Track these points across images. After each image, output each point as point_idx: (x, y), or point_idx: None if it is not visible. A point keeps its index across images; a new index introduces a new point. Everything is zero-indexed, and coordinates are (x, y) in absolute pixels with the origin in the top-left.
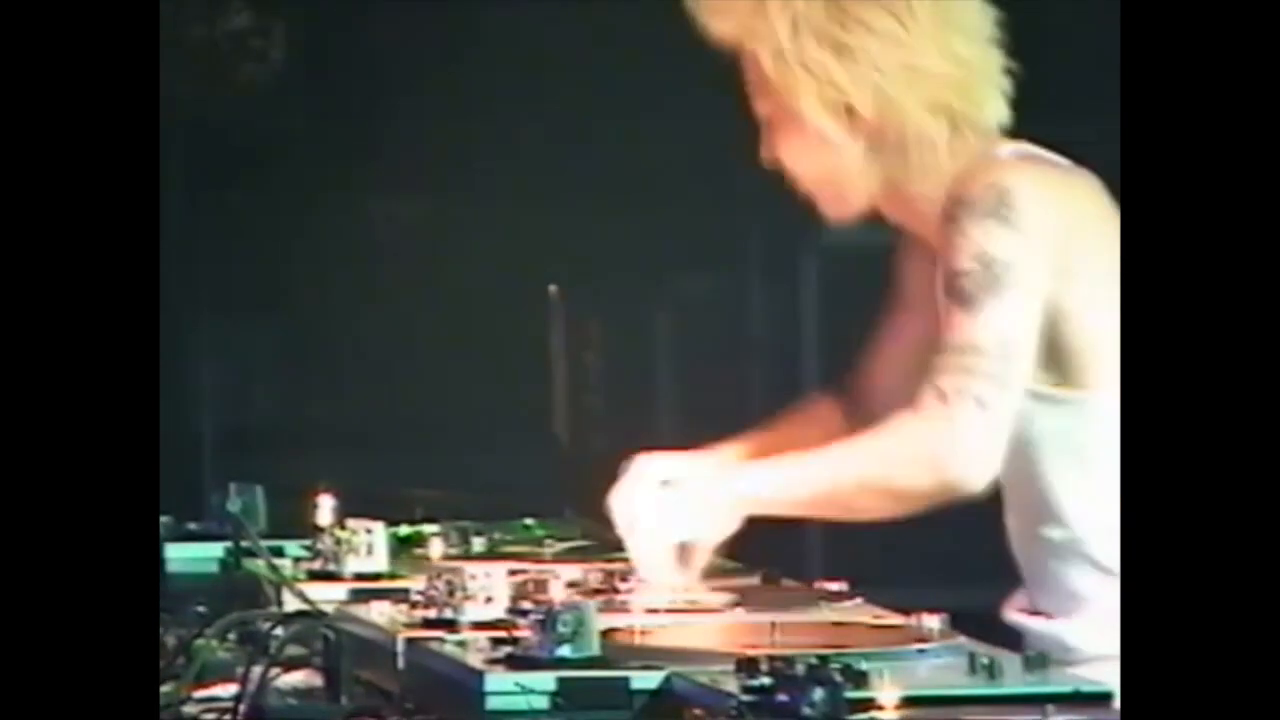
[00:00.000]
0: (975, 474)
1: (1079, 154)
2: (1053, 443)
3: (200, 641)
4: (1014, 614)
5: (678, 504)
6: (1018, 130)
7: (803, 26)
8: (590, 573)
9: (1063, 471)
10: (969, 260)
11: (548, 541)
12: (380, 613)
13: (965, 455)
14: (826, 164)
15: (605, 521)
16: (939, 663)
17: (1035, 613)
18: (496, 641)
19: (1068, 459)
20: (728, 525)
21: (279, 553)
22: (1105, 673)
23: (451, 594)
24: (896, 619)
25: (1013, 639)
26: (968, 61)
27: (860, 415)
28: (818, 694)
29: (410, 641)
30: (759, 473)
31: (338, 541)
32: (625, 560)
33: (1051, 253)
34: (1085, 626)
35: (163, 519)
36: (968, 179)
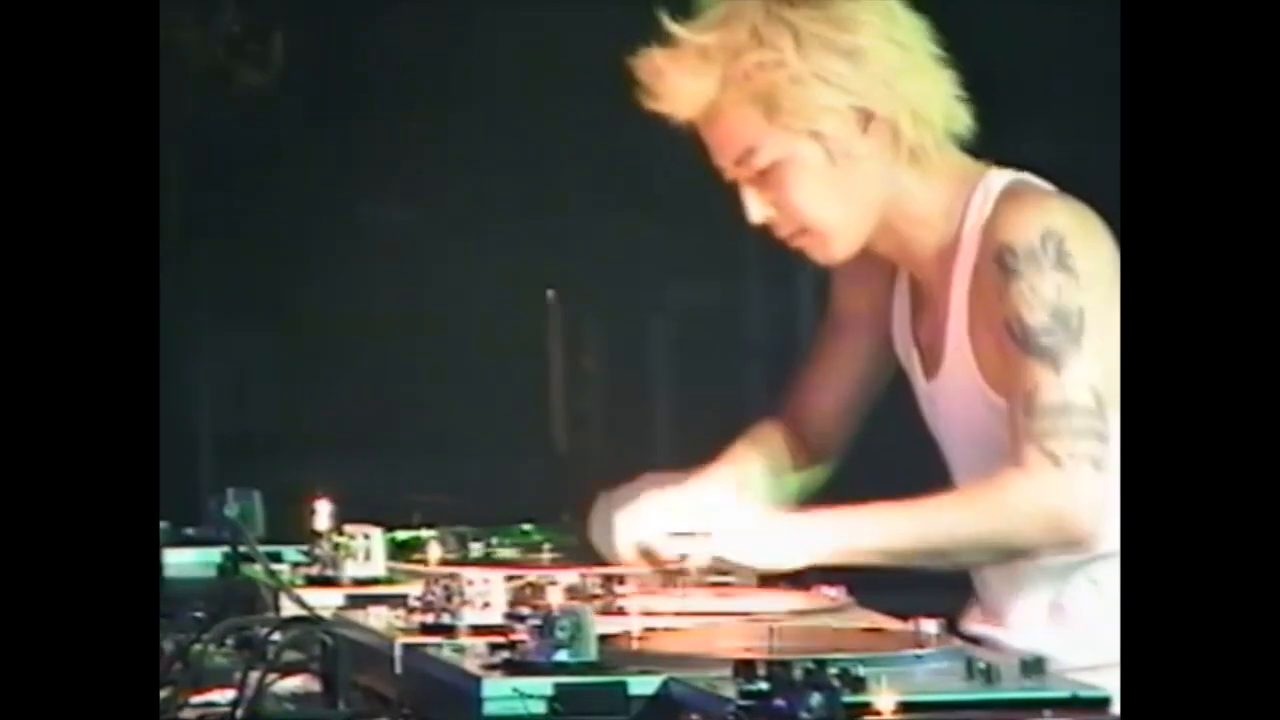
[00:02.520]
0: (1098, 530)
1: (1072, 172)
2: None
3: (198, 647)
4: (974, 627)
5: (745, 544)
6: (1016, 147)
7: (805, 39)
8: (588, 578)
9: None
10: (1044, 316)
11: (545, 547)
12: (378, 618)
13: (1088, 514)
14: (837, 190)
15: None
16: (936, 667)
17: (995, 625)
18: (494, 647)
19: None
20: (798, 563)
21: (277, 558)
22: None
23: (449, 599)
24: (894, 624)
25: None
26: (941, 72)
27: (801, 437)
28: (815, 699)
29: (408, 647)
30: (846, 522)
31: (335, 547)
32: (623, 565)
33: (1103, 295)
34: (1059, 639)
35: (161, 524)
36: (1005, 224)
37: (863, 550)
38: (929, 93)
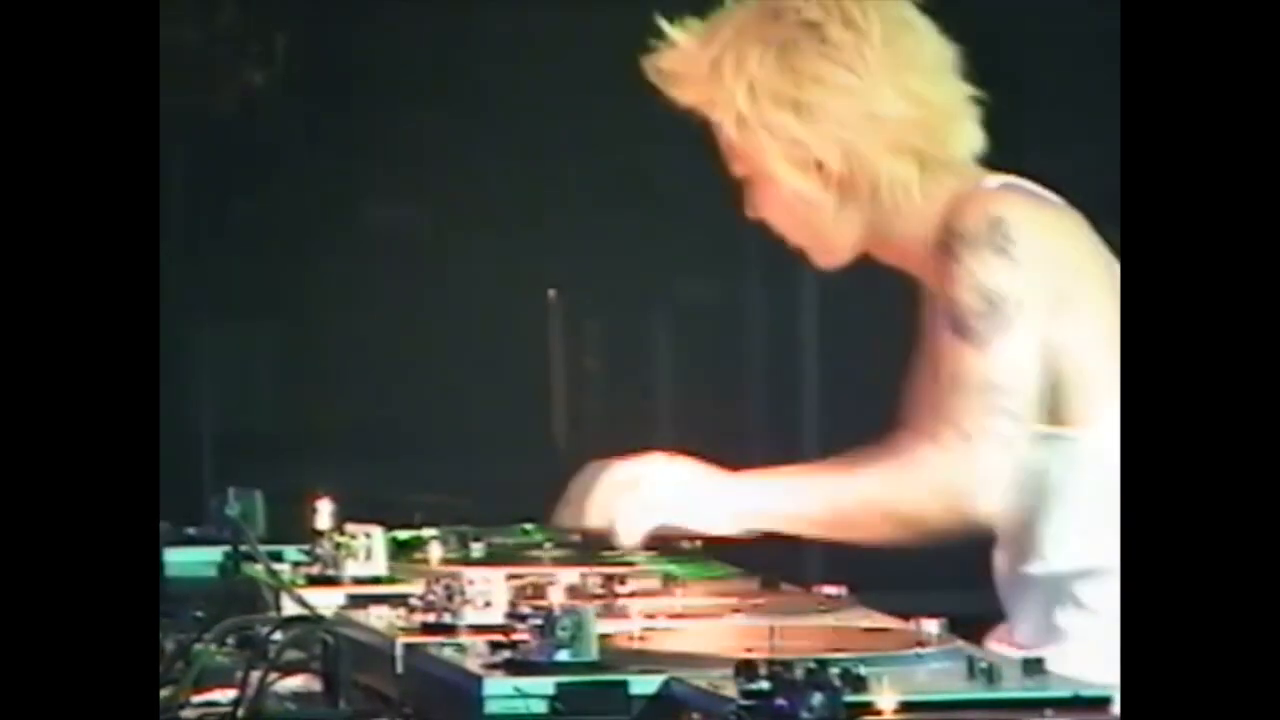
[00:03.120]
0: (992, 508)
1: (1074, 183)
2: (1040, 479)
3: (199, 646)
4: (995, 645)
5: (679, 503)
6: (1014, 159)
7: (759, 90)
8: (589, 577)
9: (1049, 509)
10: (974, 297)
11: (546, 546)
12: (379, 617)
13: (987, 491)
14: (807, 219)
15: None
16: (938, 667)
17: (1016, 645)
18: (495, 646)
19: (1055, 496)
20: (724, 531)
21: (278, 557)
22: None
23: (450, 598)
24: (895, 623)
25: None
26: (928, 100)
27: None
28: (816, 698)
29: (409, 646)
30: (763, 485)
31: (336, 546)
32: (624, 564)
33: (1047, 285)
34: (1064, 662)
35: (162, 524)
36: (960, 211)
37: (768, 515)
38: (901, 140)
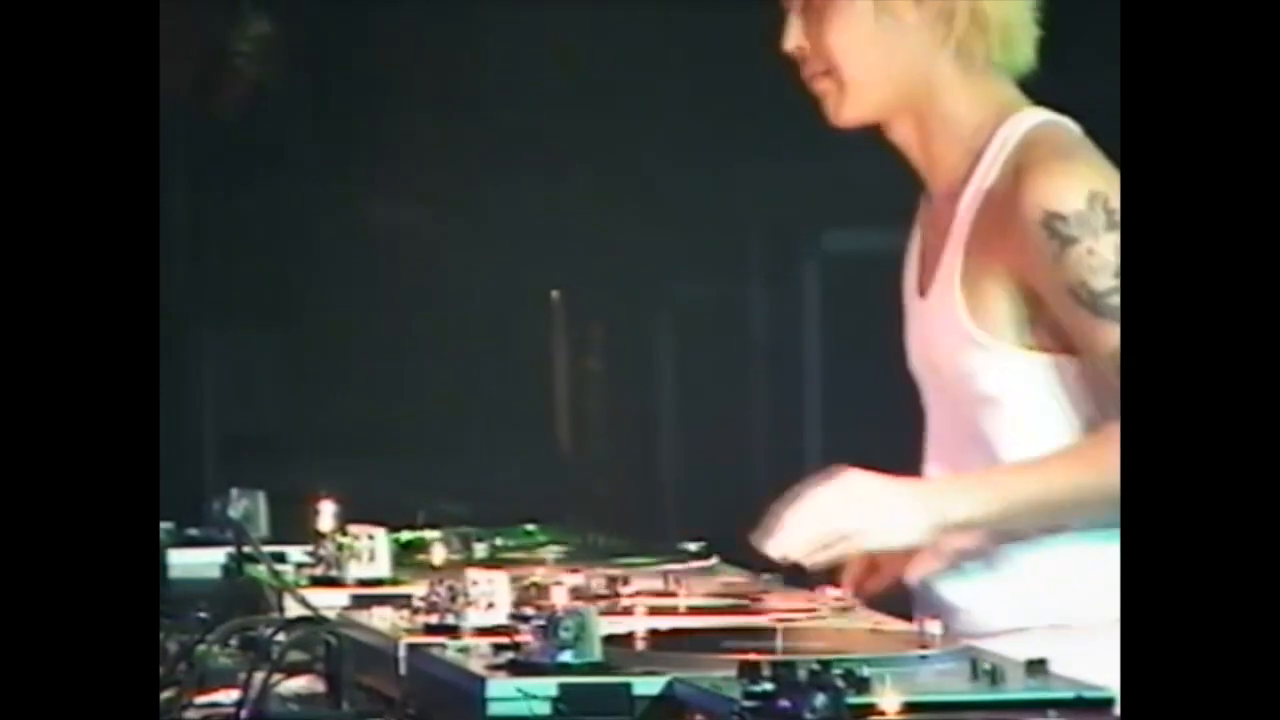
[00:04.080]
0: None
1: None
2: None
3: (202, 647)
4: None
5: (867, 507)
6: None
7: None
8: (593, 578)
9: (975, 420)
10: (1109, 277)
11: (550, 547)
12: (382, 618)
13: None
14: (875, 45)
15: (610, 527)
16: (941, 668)
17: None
18: (498, 647)
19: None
20: (915, 539)
21: (281, 558)
22: (1021, 647)
23: (453, 600)
24: (899, 624)
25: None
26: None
27: None
28: (820, 699)
29: (412, 647)
30: (968, 492)
31: (340, 547)
32: (626, 565)
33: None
34: (991, 594)
35: (164, 525)
36: (1053, 190)
37: (977, 520)
38: (1002, 8)
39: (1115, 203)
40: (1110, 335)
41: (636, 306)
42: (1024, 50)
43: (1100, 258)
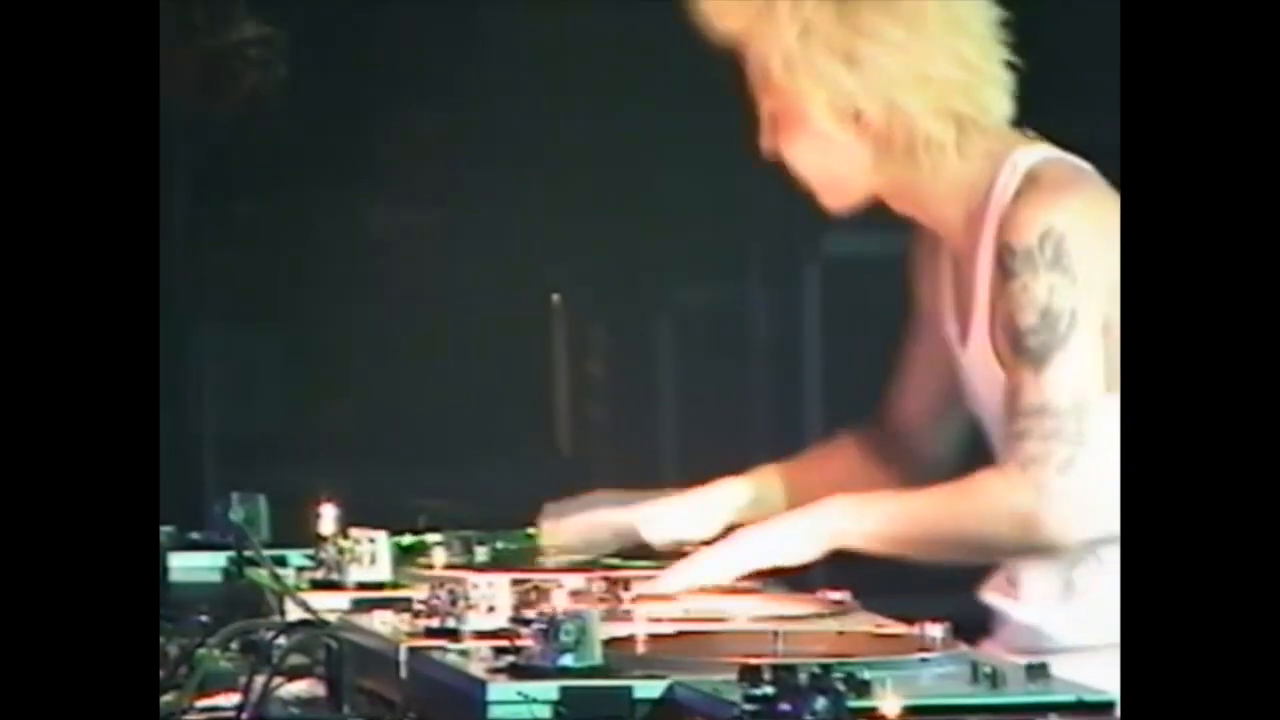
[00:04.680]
0: (1067, 533)
1: (1081, 148)
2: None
3: (203, 651)
4: (991, 595)
5: (762, 527)
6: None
7: (813, 36)
8: (593, 582)
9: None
10: (1033, 317)
11: (550, 551)
12: (383, 622)
13: (1054, 518)
14: (831, 163)
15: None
16: (941, 672)
17: (1016, 597)
18: (499, 651)
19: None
20: (809, 554)
21: (282, 562)
22: (1086, 666)
23: (454, 603)
24: (899, 628)
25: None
26: (974, 65)
27: (892, 446)
28: (820, 703)
29: (413, 651)
30: (854, 509)
31: (340, 551)
32: (627, 569)
33: (1105, 280)
34: (1065, 617)
35: (165, 528)
36: (1014, 223)
37: (851, 536)
38: (943, 103)
39: (1071, 245)
40: (1015, 374)
41: (638, 309)
42: (997, 109)
43: (1030, 295)
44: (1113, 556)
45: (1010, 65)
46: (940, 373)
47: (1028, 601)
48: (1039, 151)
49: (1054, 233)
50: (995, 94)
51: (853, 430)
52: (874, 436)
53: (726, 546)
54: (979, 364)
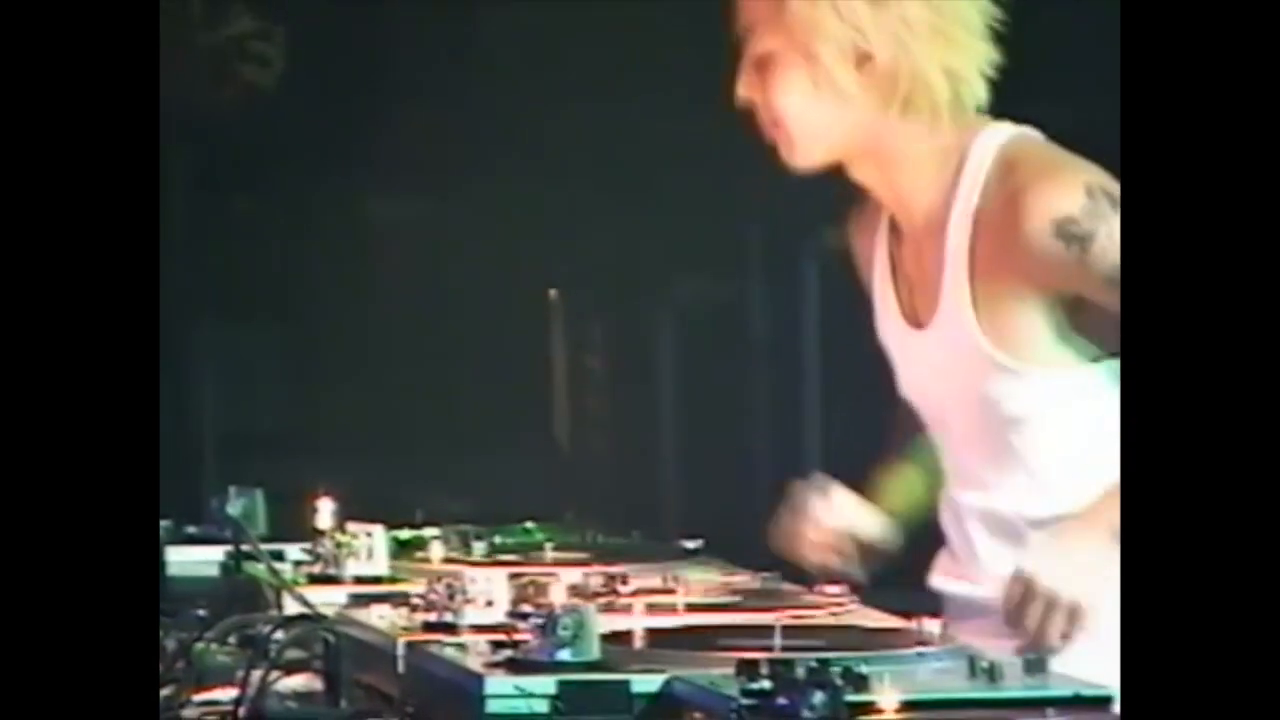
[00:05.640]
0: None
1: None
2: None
3: (200, 645)
4: (938, 578)
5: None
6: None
7: None
8: (591, 576)
9: (1024, 448)
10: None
11: (548, 545)
12: (380, 616)
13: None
14: (819, 110)
15: (605, 524)
16: (939, 666)
17: (959, 578)
18: (497, 645)
19: (1029, 436)
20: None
21: (279, 556)
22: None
23: (452, 597)
24: (897, 622)
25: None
26: (978, 35)
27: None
28: (818, 697)
29: (410, 645)
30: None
31: (338, 545)
32: (625, 563)
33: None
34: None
35: (163, 522)
36: (1048, 200)
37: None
38: (947, 61)
39: (1109, 185)
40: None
41: (637, 304)
42: (974, 93)
43: (1115, 242)
44: (1043, 542)
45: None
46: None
47: (979, 578)
48: (1006, 128)
49: (1093, 183)
50: (983, 71)
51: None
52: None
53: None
54: (948, 345)
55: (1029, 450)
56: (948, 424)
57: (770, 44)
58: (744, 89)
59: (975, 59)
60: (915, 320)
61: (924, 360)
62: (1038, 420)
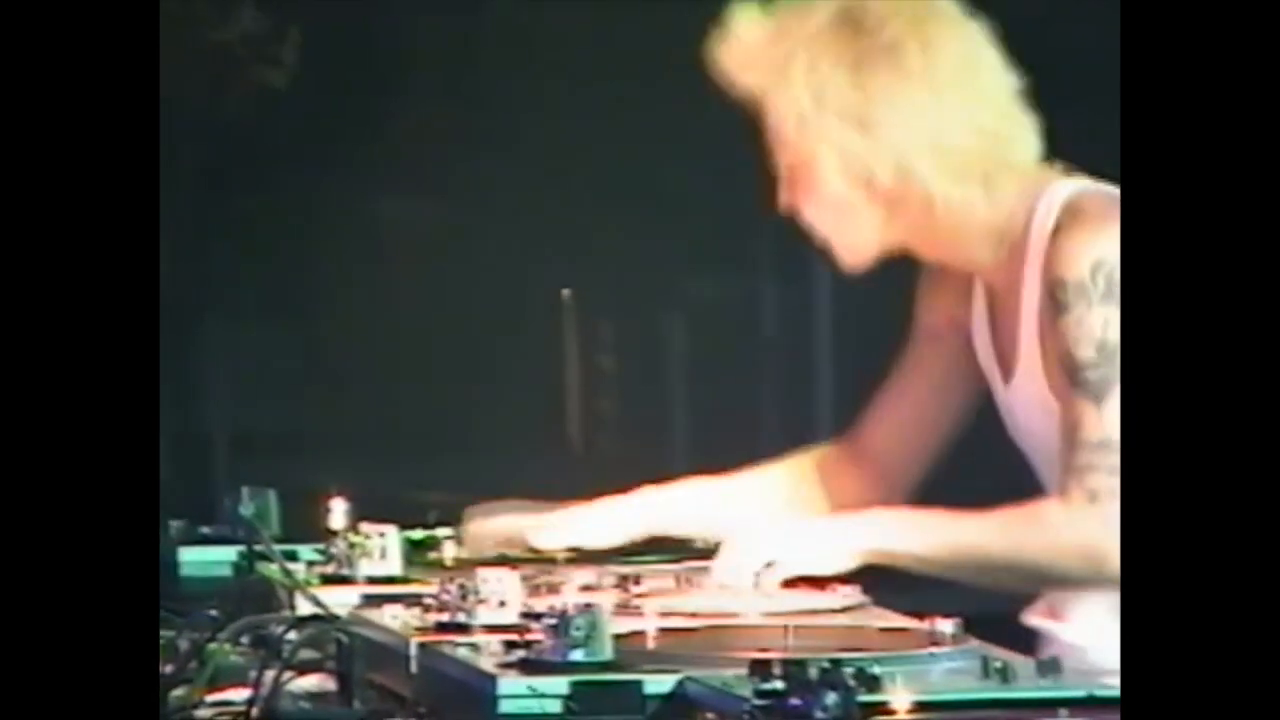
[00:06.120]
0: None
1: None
2: None
3: (213, 645)
4: (1035, 619)
5: (795, 534)
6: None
7: (827, 99)
8: (604, 576)
9: None
10: (1090, 350)
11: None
12: (393, 616)
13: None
14: (844, 223)
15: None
16: (952, 666)
17: (1055, 619)
18: (509, 645)
19: None
20: (841, 566)
21: (292, 556)
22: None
23: (464, 598)
24: (910, 623)
25: (1026, 643)
26: (991, 130)
27: (871, 462)
28: (830, 698)
29: (423, 645)
30: (902, 525)
31: (351, 545)
32: (638, 564)
33: None
34: (1113, 637)
35: (175, 523)
36: (1063, 257)
37: (897, 554)
38: (969, 159)
39: (1116, 270)
40: (1076, 407)
41: (647, 304)
42: (1024, 156)
43: (1086, 329)
44: None
45: (1033, 106)
46: (924, 402)
47: (1075, 624)
48: (1075, 184)
49: (1105, 264)
50: (1020, 147)
51: (834, 445)
52: (835, 455)
53: (750, 545)
54: (1029, 400)
55: None
56: (1044, 477)
57: (783, 160)
58: (782, 199)
59: (998, 148)
60: (1004, 376)
61: (1011, 414)
62: None
